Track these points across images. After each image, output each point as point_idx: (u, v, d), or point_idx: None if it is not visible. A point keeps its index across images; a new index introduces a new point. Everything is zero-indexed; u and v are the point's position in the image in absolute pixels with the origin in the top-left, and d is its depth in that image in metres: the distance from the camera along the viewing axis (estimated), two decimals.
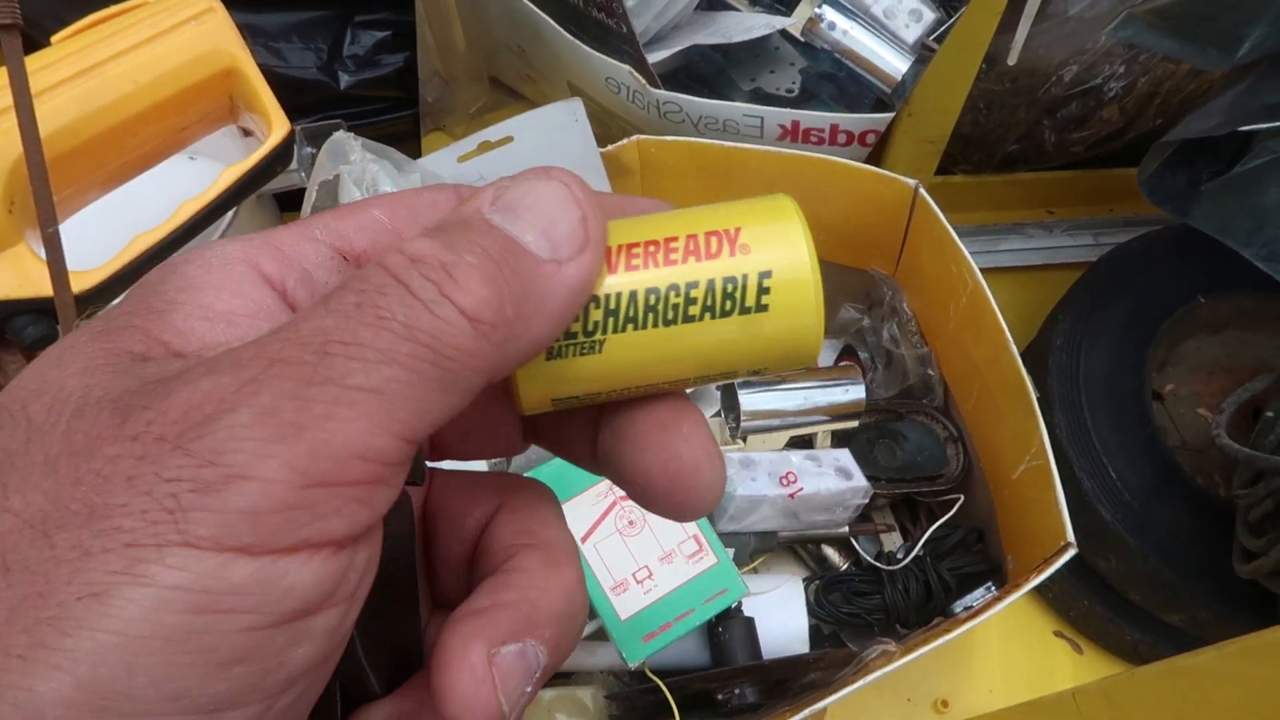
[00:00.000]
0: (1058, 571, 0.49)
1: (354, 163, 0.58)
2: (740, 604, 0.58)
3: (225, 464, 0.14)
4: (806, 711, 0.47)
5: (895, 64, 0.73)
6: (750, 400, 0.61)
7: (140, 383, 0.15)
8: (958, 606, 0.61)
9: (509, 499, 0.22)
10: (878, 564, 0.63)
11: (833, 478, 0.62)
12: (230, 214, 0.64)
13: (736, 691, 0.55)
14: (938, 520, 0.64)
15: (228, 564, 0.14)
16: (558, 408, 0.19)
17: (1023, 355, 0.57)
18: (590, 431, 0.21)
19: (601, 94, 0.75)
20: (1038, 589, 0.58)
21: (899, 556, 0.63)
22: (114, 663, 0.13)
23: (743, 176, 0.65)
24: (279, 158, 0.59)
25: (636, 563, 0.56)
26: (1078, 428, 0.63)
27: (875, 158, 0.72)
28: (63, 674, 0.13)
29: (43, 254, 0.51)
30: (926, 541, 0.63)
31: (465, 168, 0.66)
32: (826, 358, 0.75)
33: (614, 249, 0.18)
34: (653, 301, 0.18)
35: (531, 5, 0.72)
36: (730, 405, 0.62)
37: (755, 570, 0.64)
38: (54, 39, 0.58)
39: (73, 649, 0.13)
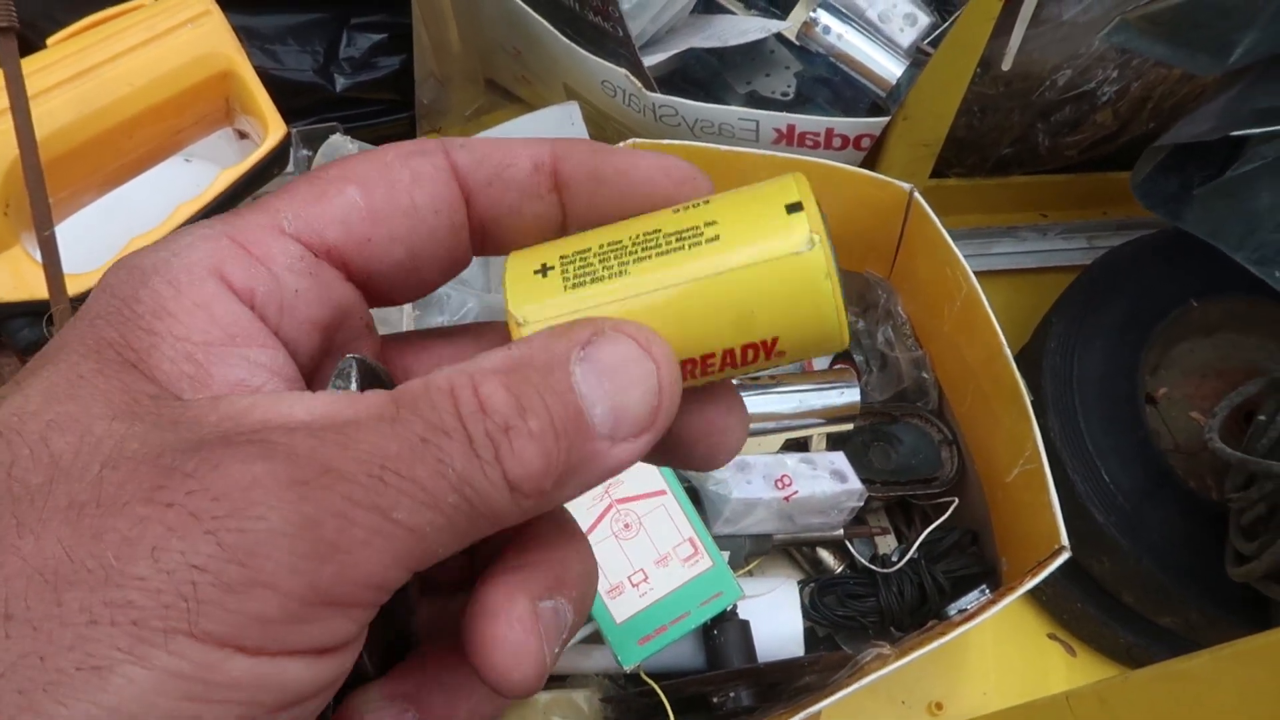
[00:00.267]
0: (1051, 574, 0.49)
1: None
2: (735, 607, 0.58)
3: (254, 568, 0.14)
4: (802, 714, 0.47)
5: (890, 68, 0.73)
6: (745, 403, 0.61)
7: (176, 437, 0.15)
8: (952, 609, 0.61)
9: None
10: (872, 567, 0.63)
11: (828, 481, 0.62)
12: None
13: (732, 694, 0.56)
14: (932, 523, 0.64)
15: (228, 659, 0.14)
16: None
17: (1017, 358, 0.57)
18: None
19: (597, 97, 0.75)
20: (1032, 592, 0.58)
21: (894, 559, 0.64)
22: None
23: (738, 180, 0.65)
24: (275, 160, 0.59)
25: (632, 566, 0.56)
26: (1071, 431, 0.63)
27: (870, 161, 0.72)
28: None
29: (38, 257, 0.51)
30: (921, 544, 0.63)
31: None
32: (821, 361, 0.75)
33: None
34: None
35: (527, 8, 0.72)
36: None
37: (750, 573, 0.64)
38: (50, 41, 0.57)
39: (66, 719, 0.13)
